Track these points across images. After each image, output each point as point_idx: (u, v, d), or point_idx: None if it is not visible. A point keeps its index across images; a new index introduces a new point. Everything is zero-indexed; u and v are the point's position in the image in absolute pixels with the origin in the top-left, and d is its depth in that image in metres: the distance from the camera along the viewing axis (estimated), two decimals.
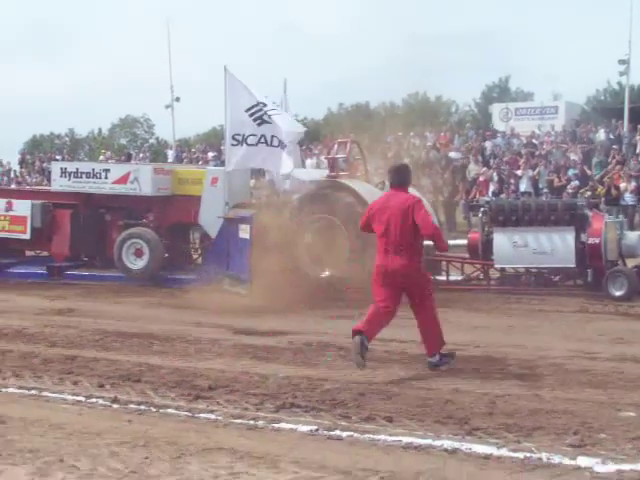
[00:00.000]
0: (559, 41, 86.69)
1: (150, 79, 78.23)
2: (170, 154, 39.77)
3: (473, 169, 28.62)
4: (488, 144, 32.06)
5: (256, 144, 15.58)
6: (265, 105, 15.59)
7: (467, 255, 15.90)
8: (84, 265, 18.44)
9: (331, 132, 26.96)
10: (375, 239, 9.47)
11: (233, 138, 15.80)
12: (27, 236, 18.00)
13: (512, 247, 15.06)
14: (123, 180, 17.36)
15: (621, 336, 11.23)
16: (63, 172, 17.97)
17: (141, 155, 42.33)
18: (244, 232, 15.40)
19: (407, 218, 9.08)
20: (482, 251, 15.43)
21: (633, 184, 24.57)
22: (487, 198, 20.36)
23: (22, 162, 44.21)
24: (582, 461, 6.14)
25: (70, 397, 8.33)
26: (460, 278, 15.97)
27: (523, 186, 26.72)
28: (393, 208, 9.20)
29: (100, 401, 8.14)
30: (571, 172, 26.52)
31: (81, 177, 17.69)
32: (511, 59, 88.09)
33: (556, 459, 6.19)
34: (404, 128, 30.06)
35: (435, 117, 47.73)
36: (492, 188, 26.96)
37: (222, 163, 19.70)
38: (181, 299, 14.70)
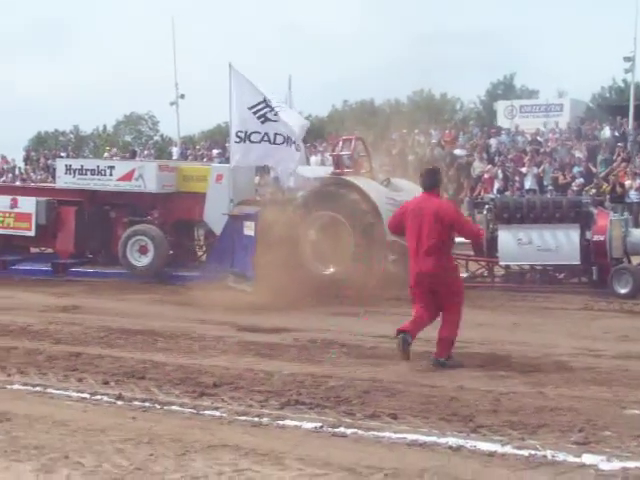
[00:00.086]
0: (564, 38, 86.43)
1: (155, 76, 78.01)
2: (175, 151, 39.75)
3: (478, 166, 28.59)
4: (493, 141, 32.01)
5: (259, 142, 15.59)
6: (271, 102, 15.57)
7: (472, 252, 15.88)
8: (89, 262, 18.45)
9: (336, 129, 26.97)
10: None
11: (236, 135, 15.81)
12: (32, 233, 18.03)
13: (517, 244, 15.05)
14: (128, 177, 17.37)
15: (626, 334, 11.23)
16: (68, 169, 17.99)
17: (146, 152, 42.31)
18: (249, 229, 15.40)
19: (441, 223, 9.24)
20: (487, 248, 15.42)
21: (638, 182, 24.52)
22: (492, 195, 20.39)
23: (27, 159, 44.21)
24: (587, 459, 6.14)
25: (75, 394, 8.34)
26: (465, 275, 15.94)
27: (528, 183, 26.68)
28: (427, 213, 9.29)
29: (105, 398, 8.15)
30: (576, 170, 26.49)
31: (86, 174, 17.71)
32: (516, 56, 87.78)
33: (561, 457, 6.19)
34: (409, 125, 30.04)
35: (440, 114, 47.71)
36: (497, 185, 26.95)
37: (227, 160, 19.69)
38: (185, 296, 14.69)
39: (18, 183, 34.86)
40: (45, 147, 53.39)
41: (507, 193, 25.47)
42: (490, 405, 7.61)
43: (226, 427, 7.12)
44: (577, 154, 28.00)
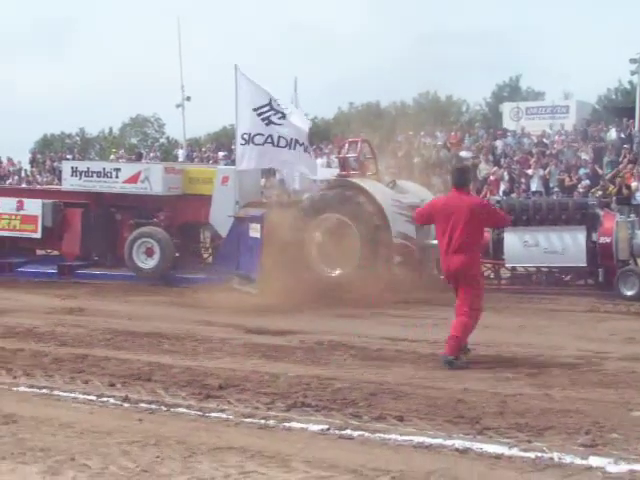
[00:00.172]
0: (570, 40, 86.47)
1: (161, 78, 78.15)
2: (181, 153, 39.77)
3: (484, 168, 28.55)
4: (499, 143, 31.99)
5: (262, 144, 15.61)
6: (278, 105, 15.56)
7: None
8: (95, 264, 18.42)
9: (342, 131, 26.95)
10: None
11: (242, 137, 15.83)
12: (38, 235, 18.03)
13: (523, 246, 15.03)
14: (134, 179, 17.38)
15: (632, 336, 11.21)
16: (74, 171, 18.01)
17: (151, 154, 42.36)
18: (255, 231, 15.41)
19: (475, 219, 9.42)
20: (493, 250, 15.39)
21: None
22: (498, 197, 20.34)
23: (33, 161, 44.30)
24: (594, 461, 6.12)
25: (81, 396, 8.35)
26: None
27: (534, 185, 26.65)
28: (460, 209, 9.41)
29: (111, 400, 8.16)
30: (582, 171, 26.45)
31: (92, 176, 17.72)
32: (522, 58, 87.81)
33: (568, 459, 6.17)
34: (415, 127, 30.01)
35: (446, 116, 47.69)
36: (503, 187, 26.91)
37: (233, 162, 19.69)
38: (191, 298, 14.72)
39: (24, 185, 34.92)
40: (51, 149, 53.55)
41: (513, 195, 25.43)
42: (496, 407, 7.59)
43: (232, 429, 7.12)
44: (583, 156, 27.97)
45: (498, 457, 6.26)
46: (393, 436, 6.79)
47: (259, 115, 15.57)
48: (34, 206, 18.02)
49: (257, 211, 15.88)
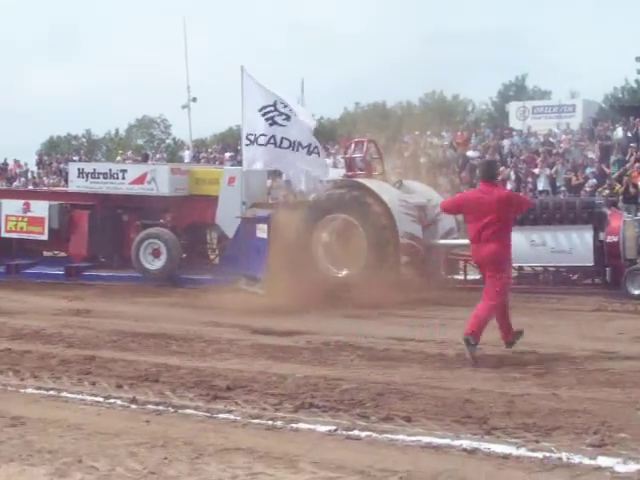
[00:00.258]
0: (577, 39, 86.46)
1: (166, 79, 78.36)
2: (187, 154, 39.81)
3: None
4: (505, 143, 31.99)
5: (265, 144, 15.59)
6: (284, 107, 15.54)
7: None
8: (101, 265, 18.46)
9: (348, 131, 26.95)
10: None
11: (247, 138, 15.84)
12: (45, 237, 18.05)
13: (530, 246, 14.99)
14: (140, 180, 17.39)
15: None
16: (80, 173, 18.03)
17: (158, 155, 42.42)
18: (261, 232, 15.41)
19: (505, 210, 9.81)
20: None
21: None
22: None
23: (39, 163, 44.45)
24: (602, 461, 6.10)
25: (88, 398, 8.35)
26: (478, 277, 15.86)
27: (541, 185, 26.65)
28: (490, 201, 9.74)
29: (118, 401, 8.16)
30: (589, 170, 26.42)
31: (98, 178, 17.74)
32: (528, 57, 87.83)
33: (576, 459, 6.15)
34: (421, 127, 30.03)
35: (452, 116, 47.73)
36: (510, 187, 26.84)
37: (239, 163, 19.69)
38: (198, 299, 14.71)
39: (31, 187, 34.99)
40: (57, 151, 53.69)
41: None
42: (504, 407, 7.58)
43: (240, 430, 7.11)
44: (590, 155, 27.94)
45: (506, 457, 6.25)
46: (401, 436, 6.77)
47: (263, 115, 15.56)
48: (41, 208, 18.04)
49: (264, 212, 15.89)
